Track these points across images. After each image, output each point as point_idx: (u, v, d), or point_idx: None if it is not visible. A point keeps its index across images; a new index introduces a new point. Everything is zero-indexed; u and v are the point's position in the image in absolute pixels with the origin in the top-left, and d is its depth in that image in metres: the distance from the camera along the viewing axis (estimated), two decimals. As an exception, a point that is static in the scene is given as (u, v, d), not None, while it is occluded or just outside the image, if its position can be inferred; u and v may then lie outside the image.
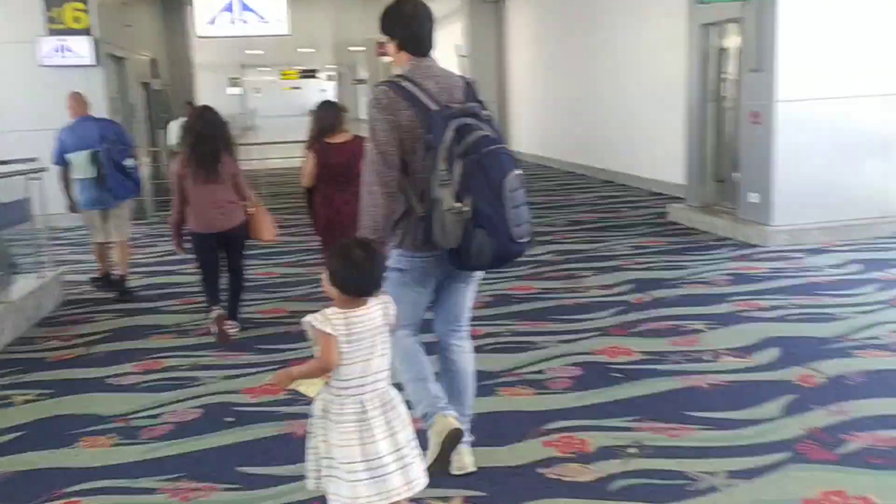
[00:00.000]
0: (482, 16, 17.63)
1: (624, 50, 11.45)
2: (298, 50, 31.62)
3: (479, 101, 2.64)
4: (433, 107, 2.52)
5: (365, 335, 2.21)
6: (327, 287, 2.24)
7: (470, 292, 2.87)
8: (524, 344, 4.53)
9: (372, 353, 2.23)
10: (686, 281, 5.83)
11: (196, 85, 17.99)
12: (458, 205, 2.39)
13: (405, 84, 2.56)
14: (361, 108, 42.06)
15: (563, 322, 4.94)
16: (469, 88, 2.67)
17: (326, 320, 2.18)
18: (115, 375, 4.29)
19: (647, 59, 10.75)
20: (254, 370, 4.28)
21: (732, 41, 7.88)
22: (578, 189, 11.63)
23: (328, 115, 4.88)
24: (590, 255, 6.98)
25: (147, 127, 12.99)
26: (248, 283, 5.69)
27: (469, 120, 2.49)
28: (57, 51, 9.87)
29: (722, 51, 8.10)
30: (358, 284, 2.23)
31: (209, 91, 31.60)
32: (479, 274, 2.84)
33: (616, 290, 5.69)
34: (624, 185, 11.63)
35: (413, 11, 2.67)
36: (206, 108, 4.93)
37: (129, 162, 6.04)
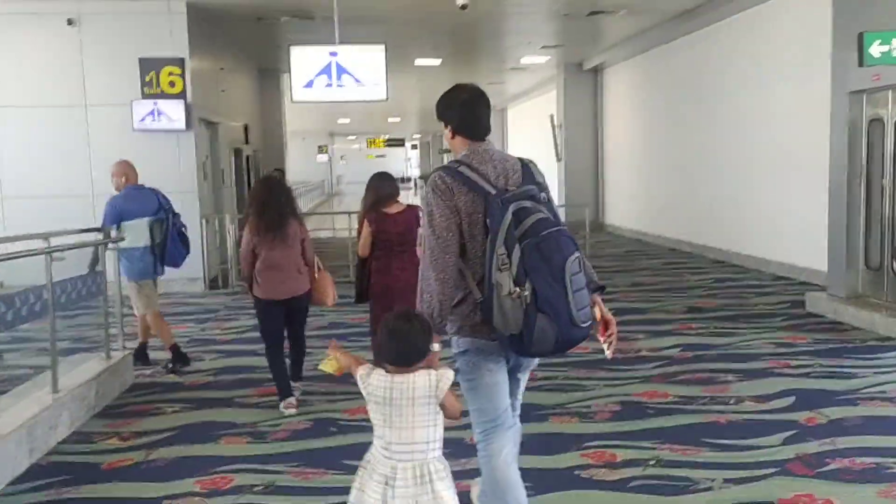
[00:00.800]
0: (578, 84, 17.02)
1: (744, 118, 10.50)
2: (387, 119, 31.92)
3: (538, 183, 2.59)
4: (491, 191, 2.48)
5: (403, 403, 2.25)
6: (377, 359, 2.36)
7: (526, 378, 2.84)
8: (681, 481, 3.55)
9: (413, 422, 2.25)
10: (863, 395, 4.74)
11: (286, 151, 17.93)
12: (518, 289, 2.34)
13: (462, 169, 2.53)
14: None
15: (723, 449, 3.93)
16: (526, 170, 2.62)
17: (367, 380, 2.33)
18: (173, 496, 3.53)
19: (773, 128, 9.76)
20: (339, 497, 3.46)
21: (888, 111, 6.87)
22: (688, 269, 10.58)
23: (384, 186, 4.90)
24: (725, 351, 5.95)
25: (235, 192, 12.78)
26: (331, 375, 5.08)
27: (527, 203, 2.46)
28: (150, 115, 9.69)
29: (874, 121, 7.09)
30: (395, 353, 2.30)
31: (299, 157, 32.17)
32: (531, 363, 2.78)
33: (774, 404, 4.65)
34: (739, 265, 10.53)
35: (468, 97, 2.67)
36: (270, 177, 5.25)
37: (184, 229, 6.01)
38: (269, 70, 15.98)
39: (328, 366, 2.49)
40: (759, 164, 10.12)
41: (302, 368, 5.09)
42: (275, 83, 16.43)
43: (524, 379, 2.80)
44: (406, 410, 2.23)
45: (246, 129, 14.12)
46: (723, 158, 11.21)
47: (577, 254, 2.42)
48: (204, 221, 9.99)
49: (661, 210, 13.85)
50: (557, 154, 17.36)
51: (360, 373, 2.34)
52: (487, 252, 2.40)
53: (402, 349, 2.29)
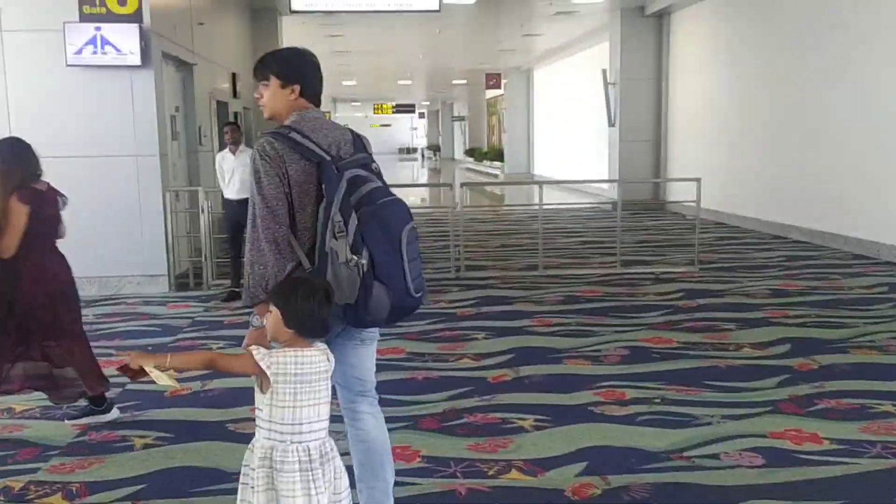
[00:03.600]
0: (637, 32, 14.12)
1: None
2: (397, 81, 28.93)
3: (369, 154, 2.52)
4: (326, 157, 2.35)
5: (312, 378, 2.13)
6: (276, 329, 2.12)
7: (370, 353, 2.58)
8: None
9: (318, 398, 2.15)
10: None
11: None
12: (355, 258, 2.25)
13: (293, 135, 2.36)
14: (459, 147, 39.04)
15: None
16: (357, 141, 2.51)
17: (271, 358, 2.08)
18: None
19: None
20: None
21: None
22: (832, 268, 7.78)
23: (29, 158, 3.68)
24: None
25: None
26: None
27: (361, 171, 2.40)
28: (91, 43, 6.82)
29: None
30: (320, 326, 2.16)
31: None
32: (375, 333, 2.55)
33: None
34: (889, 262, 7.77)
35: (315, 61, 2.54)
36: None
37: None
38: (264, 10, 13.04)
39: (164, 380, 2.11)
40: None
41: None
42: (272, 26, 13.41)
43: (365, 353, 2.52)
44: (315, 386, 2.13)
45: (234, 78, 11.23)
46: (860, 125, 8.36)
47: (411, 223, 2.38)
48: (171, 196, 7.18)
49: (753, 188, 11.03)
50: (610, 118, 14.48)
51: (259, 353, 2.07)
52: (321, 219, 2.30)
53: (324, 321, 2.14)
